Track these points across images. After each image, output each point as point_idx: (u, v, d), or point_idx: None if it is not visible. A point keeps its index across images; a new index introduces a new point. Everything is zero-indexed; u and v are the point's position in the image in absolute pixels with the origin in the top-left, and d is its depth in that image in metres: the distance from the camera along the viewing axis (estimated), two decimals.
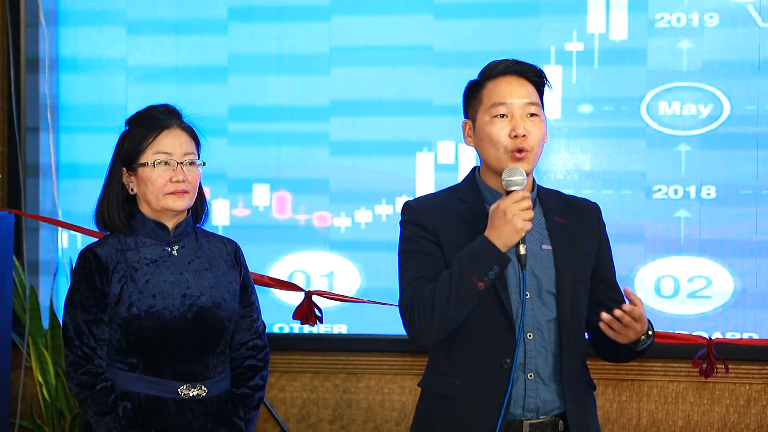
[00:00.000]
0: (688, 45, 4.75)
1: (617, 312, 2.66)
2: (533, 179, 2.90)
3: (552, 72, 4.73)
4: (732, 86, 4.71)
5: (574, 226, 2.88)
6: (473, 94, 2.87)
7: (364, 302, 4.60)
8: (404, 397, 4.88)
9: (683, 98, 4.75)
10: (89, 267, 2.98)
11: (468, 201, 2.85)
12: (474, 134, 2.86)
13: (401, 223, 2.89)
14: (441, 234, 2.81)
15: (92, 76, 5.03)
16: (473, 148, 2.88)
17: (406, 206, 2.89)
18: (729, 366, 4.26)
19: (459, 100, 2.95)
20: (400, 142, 4.90)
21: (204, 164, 3.06)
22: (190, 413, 2.99)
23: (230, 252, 3.16)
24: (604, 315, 2.67)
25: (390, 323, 4.72)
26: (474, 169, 2.93)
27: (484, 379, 2.78)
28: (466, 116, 2.90)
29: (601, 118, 4.80)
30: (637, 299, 2.67)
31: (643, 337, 2.75)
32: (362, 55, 4.91)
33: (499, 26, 4.82)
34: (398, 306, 2.84)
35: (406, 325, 2.80)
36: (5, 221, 4.41)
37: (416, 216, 2.85)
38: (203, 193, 3.14)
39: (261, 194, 4.97)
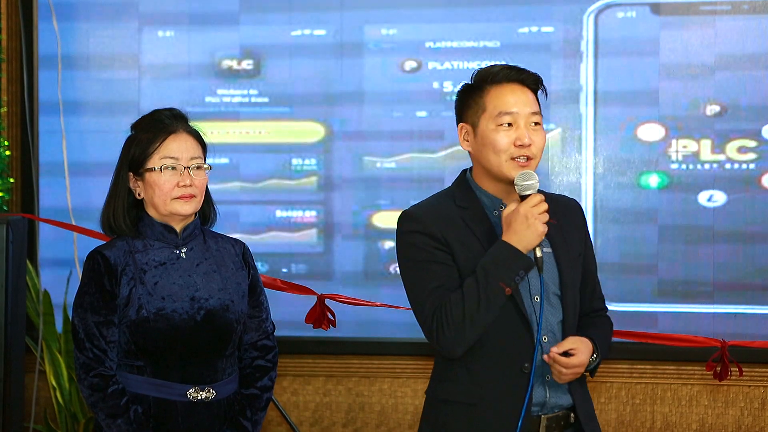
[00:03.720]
0: (700, 37, 4.72)
1: (545, 358, 2.78)
2: None
3: (559, 64, 4.77)
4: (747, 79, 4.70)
5: (566, 226, 2.92)
6: (472, 98, 2.85)
7: (376, 306, 4.59)
8: (417, 401, 4.87)
9: (697, 90, 4.72)
10: (98, 269, 2.99)
11: (467, 207, 2.85)
12: (473, 139, 2.85)
13: (404, 233, 2.85)
14: (451, 241, 2.80)
15: (105, 72, 5.04)
16: (468, 152, 2.89)
17: (408, 216, 2.86)
18: (743, 368, 4.24)
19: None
20: (417, 139, 4.91)
21: (210, 168, 3.06)
22: (199, 416, 3.00)
23: (238, 253, 3.16)
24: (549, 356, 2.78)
25: (403, 326, 4.73)
26: (464, 171, 2.93)
27: (504, 384, 2.79)
28: (461, 120, 2.89)
29: (615, 110, 4.79)
30: (559, 358, 2.76)
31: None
32: (374, 48, 4.92)
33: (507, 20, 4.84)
34: (415, 315, 2.83)
35: (434, 336, 2.78)
36: (19, 226, 4.43)
37: (423, 225, 2.82)
38: (210, 196, 3.14)
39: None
